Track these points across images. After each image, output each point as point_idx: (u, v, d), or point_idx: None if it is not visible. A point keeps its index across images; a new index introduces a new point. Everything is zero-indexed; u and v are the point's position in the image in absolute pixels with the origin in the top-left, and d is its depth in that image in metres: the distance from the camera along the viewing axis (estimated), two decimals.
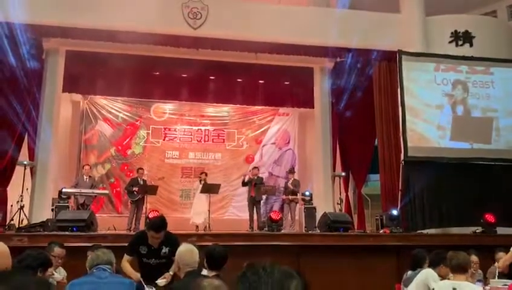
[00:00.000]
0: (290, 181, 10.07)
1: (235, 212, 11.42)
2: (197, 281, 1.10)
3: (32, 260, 2.74)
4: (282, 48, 9.37)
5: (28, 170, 8.67)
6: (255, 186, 9.46)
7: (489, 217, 8.01)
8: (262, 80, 11.22)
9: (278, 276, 0.93)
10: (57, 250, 4.05)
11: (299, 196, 9.84)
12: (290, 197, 9.81)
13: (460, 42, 9.72)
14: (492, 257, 5.35)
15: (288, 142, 12.37)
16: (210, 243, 6.12)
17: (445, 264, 3.82)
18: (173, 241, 4.04)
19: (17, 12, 7.98)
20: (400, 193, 9.01)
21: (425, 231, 8.40)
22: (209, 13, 8.90)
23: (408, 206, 8.78)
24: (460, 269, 3.46)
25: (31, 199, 8.79)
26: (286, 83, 11.39)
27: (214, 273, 3.16)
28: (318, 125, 10.81)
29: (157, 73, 10.68)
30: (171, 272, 3.84)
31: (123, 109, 11.47)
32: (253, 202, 9.48)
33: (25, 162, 8.62)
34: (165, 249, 3.97)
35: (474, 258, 4.88)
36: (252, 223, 9.33)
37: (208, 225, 8.71)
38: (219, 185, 9.43)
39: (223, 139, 12.03)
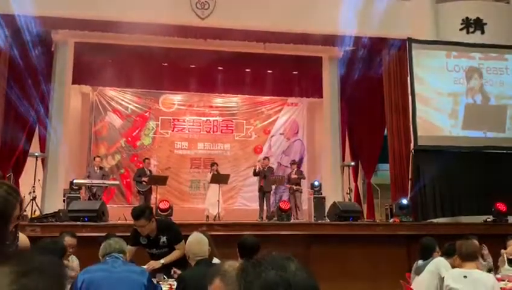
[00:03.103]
0: (294, 171, 10.05)
1: (244, 202, 11.47)
2: (218, 264, 1.12)
3: (50, 252, 2.79)
4: (290, 37, 9.29)
5: (39, 162, 8.77)
6: (265, 176, 9.49)
7: (501, 206, 7.95)
8: (270, 70, 11.18)
9: (277, 259, 0.96)
10: (68, 240, 4.11)
11: (302, 186, 9.88)
12: (295, 187, 9.81)
13: (471, 29, 9.55)
14: (504, 245, 5.32)
15: (297, 133, 12.35)
16: (220, 233, 6.19)
17: None
18: (169, 229, 4.06)
19: (26, 5, 8.00)
20: (409, 182, 8.96)
21: (435, 220, 8.36)
22: (217, 3, 8.85)
23: (418, 196, 8.73)
24: (469, 256, 3.45)
25: (43, 190, 8.90)
26: (295, 72, 11.33)
27: None
28: (327, 115, 10.75)
29: (166, 64, 10.69)
30: (162, 261, 3.87)
31: (132, 100, 11.53)
32: (263, 192, 9.52)
33: (36, 154, 8.72)
34: (163, 239, 3.98)
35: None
36: (261, 213, 9.37)
37: (217, 215, 8.76)
38: (228, 175, 9.47)
39: (232, 130, 12.04)
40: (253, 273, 0.93)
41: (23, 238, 2.01)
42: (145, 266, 3.73)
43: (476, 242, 4.80)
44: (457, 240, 3.92)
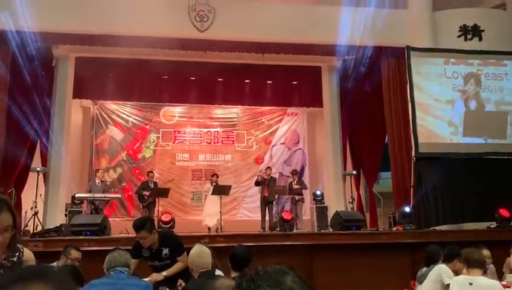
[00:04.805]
0: (295, 181, 10.01)
1: (246, 213, 11.45)
2: (210, 281, 1.11)
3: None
4: (289, 47, 9.36)
5: (41, 176, 8.77)
6: (268, 186, 9.46)
7: (504, 212, 7.91)
8: (270, 80, 11.22)
9: (272, 273, 0.93)
10: (74, 253, 4.13)
11: (304, 195, 9.85)
12: (297, 197, 9.78)
13: (469, 36, 9.61)
14: (507, 252, 5.28)
15: (298, 142, 12.35)
16: (222, 245, 6.17)
17: (459, 260, 3.80)
18: (172, 241, 4.05)
19: (27, 21, 8.08)
20: (411, 189, 8.94)
21: (438, 228, 8.32)
22: (216, 15, 8.94)
23: (421, 203, 8.70)
24: (477, 264, 3.44)
25: (45, 205, 8.89)
26: (294, 82, 11.37)
27: (237, 274, 3.18)
28: (327, 124, 10.77)
29: (166, 77, 10.74)
30: (164, 273, 3.85)
31: (133, 113, 11.57)
32: (266, 202, 9.49)
33: (38, 169, 8.73)
34: (165, 251, 3.96)
35: (486, 252, 4.83)
36: (264, 224, 9.34)
37: (219, 226, 8.73)
38: (230, 186, 9.45)
39: (233, 141, 12.05)
40: None
41: (28, 254, 1.98)
42: (147, 279, 3.72)
43: (486, 251, 4.78)
44: (460, 246, 3.91)
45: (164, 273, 3.87)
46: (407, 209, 8.34)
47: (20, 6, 8.11)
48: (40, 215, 8.42)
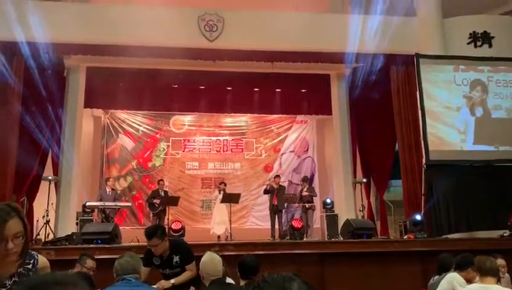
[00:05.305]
0: (305, 188, 9.98)
1: (255, 221, 11.42)
2: None
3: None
4: (298, 55, 9.39)
5: (52, 185, 8.86)
6: (278, 194, 9.44)
7: None
8: (279, 88, 11.26)
9: (278, 280, 0.94)
10: (90, 262, 4.16)
11: (314, 203, 9.81)
12: (307, 205, 9.74)
13: (479, 43, 9.57)
14: None
15: (307, 150, 12.33)
16: (232, 253, 6.16)
17: (473, 268, 3.74)
18: (183, 249, 4.05)
19: (39, 32, 8.23)
20: (423, 197, 8.86)
21: (450, 236, 8.22)
22: (225, 25, 9.01)
23: (432, 211, 8.61)
24: (490, 272, 3.39)
25: (56, 213, 8.96)
26: (303, 90, 11.39)
27: (245, 282, 3.20)
28: (337, 132, 10.75)
29: (176, 86, 10.83)
30: (172, 281, 3.85)
31: (143, 122, 11.67)
32: (275, 211, 9.46)
33: (50, 177, 8.81)
34: (176, 258, 3.96)
35: (501, 261, 4.75)
36: (273, 232, 9.31)
37: (229, 235, 8.72)
38: (239, 194, 9.46)
39: (242, 149, 12.08)
40: None
41: (43, 261, 1.98)
42: (155, 286, 3.73)
43: (501, 260, 4.70)
44: (473, 254, 3.86)
45: (172, 281, 3.88)
46: (418, 217, 8.26)
47: (32, 18, 8.26)
48: (52, 223, 8.48)
